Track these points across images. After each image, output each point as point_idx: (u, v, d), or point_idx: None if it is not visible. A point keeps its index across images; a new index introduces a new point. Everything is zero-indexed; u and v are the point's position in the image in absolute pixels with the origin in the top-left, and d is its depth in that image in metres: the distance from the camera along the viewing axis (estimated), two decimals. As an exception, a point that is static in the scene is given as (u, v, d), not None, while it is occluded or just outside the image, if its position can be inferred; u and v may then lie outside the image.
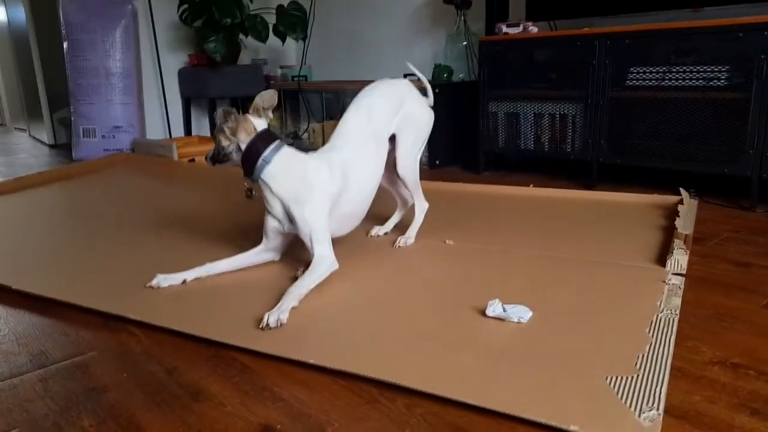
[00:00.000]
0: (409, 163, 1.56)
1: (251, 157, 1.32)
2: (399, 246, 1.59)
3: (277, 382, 0.95)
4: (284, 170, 1.32)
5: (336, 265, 1.32)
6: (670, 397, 0.86)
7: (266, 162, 1.31)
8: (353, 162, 1.41)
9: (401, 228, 1.67)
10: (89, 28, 3.38)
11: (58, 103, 4.36)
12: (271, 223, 1.39)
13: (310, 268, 1.29)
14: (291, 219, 1.34)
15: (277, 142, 1.35)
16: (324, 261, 1.30)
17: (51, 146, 4.34)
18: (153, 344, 1.09)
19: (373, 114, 1.48)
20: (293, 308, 1.15)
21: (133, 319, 1.16)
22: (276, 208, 1.35)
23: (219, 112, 1.34)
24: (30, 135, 5.05)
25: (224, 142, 1.35)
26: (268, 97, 1.38)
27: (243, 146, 1.33)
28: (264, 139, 1.33)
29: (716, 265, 1.44)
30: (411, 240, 1.62)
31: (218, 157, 1.37)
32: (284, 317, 1.11)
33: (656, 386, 0.86)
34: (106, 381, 0.97)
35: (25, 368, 1.02)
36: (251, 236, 1.56)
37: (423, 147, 1.62)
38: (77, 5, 3.38)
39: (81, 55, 3.40)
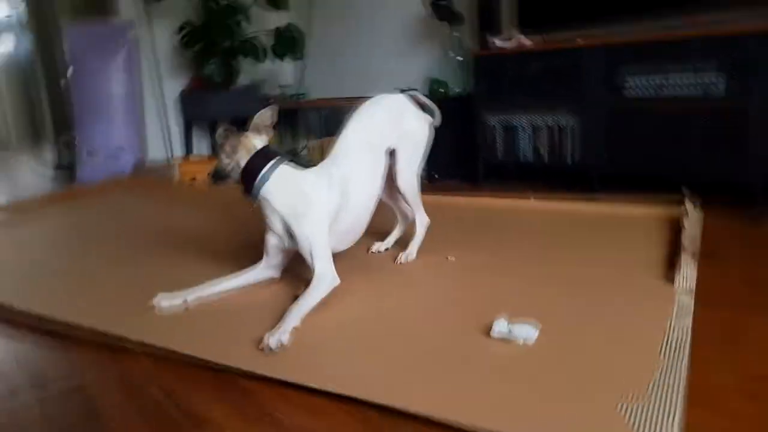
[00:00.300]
0: (409, 178, 1.57)
1: (251, 175, 1.33)
2: (400, 262, 1.60)
3: (279, 406, 0.94)
4: (283, 186, 1.34)
5: (337, 281, 1.32)
6: (685, 426, 0.82)
7: (265, 179, 1.33)
8: (352, 177, 1.42)
9: (402, 244, 1.67)
10: (92, 55, 3.44)
11: (62, 126, 4.42)
12: (272, 240, 1.40)
13: (311, 285, 1.29)
14: (291, 235, 1.35)
15: (276, 159, 1.36)
16: (325, 278, 1.30)
17: (55, 168, 4.38)
18: (153, 366, 1.09)
19: (373, 129, 1.50)
20: (295, 328, 1.15)
21: (134, 340, 1.17)
22: (276, 224, 1.36)
23: (220, 131, 1.36)
24: (34, 157, 5.10)
25: (225, 160, 1.36)
26: (267, 116, 1.40)
27: (242, 163, 1.34)
28: (263, 157, 1.35)
29: (724, 279, 1.40)
30: (413, 256, 1.63)
31: (220, 174, 1.38)
32: (285, 338, 1.11)
33: (670, 414, 0.83)
34: (105, 405, 0.97)
35: (24, 390, 1.02)
36: (252, 255, 1.57)
37: (422, 162, 1.62)
38: (81, 33, 3.46)
39: (84, 81, 3.46)
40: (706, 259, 1.55)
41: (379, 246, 1.71)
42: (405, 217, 1.72)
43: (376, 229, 1.70)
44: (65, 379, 1.06)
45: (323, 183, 1.37)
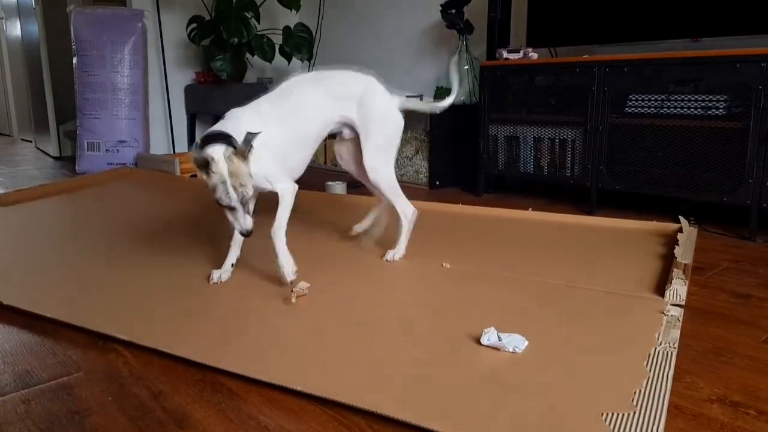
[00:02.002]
0: (378, 165, 1.55)
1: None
2: (388, 260, 1.59)
3: (264, 409, 0.93)
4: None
5: (296, 187, 1.45)
6: (662, 436, 0.84)
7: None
8: (288, 114, 1.47)
9: (389, 242, 1.66)
10: (99, 45, 3.43)
11: (64, 116, 4.41)
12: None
13: (279, 204, 1.41)
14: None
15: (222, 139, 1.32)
16: (287, 191, 1.43)
17: (56, 158, 4.38)
18: (141, 365, 1.08)
19: (327, 83, 1.53)
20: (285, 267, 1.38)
21: (123, 339, 1.16)
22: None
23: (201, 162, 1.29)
24: (36, 146, 5.10)
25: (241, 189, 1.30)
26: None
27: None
28: (212, 140, 1.31)
29: (715, 296, 1.43)
30: (401, 253, 1.62)
31: (243, 202, 1.32)
32: (289, 270, 1.38)
33: (654, 425, 0.84)
34: (91, 404, 0.96)
35: (9, 388, 1.01)
36: (248, 244, 1.56)
37: (394, 152, 1.59)
38: (88, 21, 3.43)
39: (90, 71, 3.45)
40: (698, 274, 1.57)
41: (356, 227, 1.76)
42: (381, 201, 1.72)
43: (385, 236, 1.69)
44: (51, 377, 1.05)
45: (258, 121, 1.42)
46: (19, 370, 1.08)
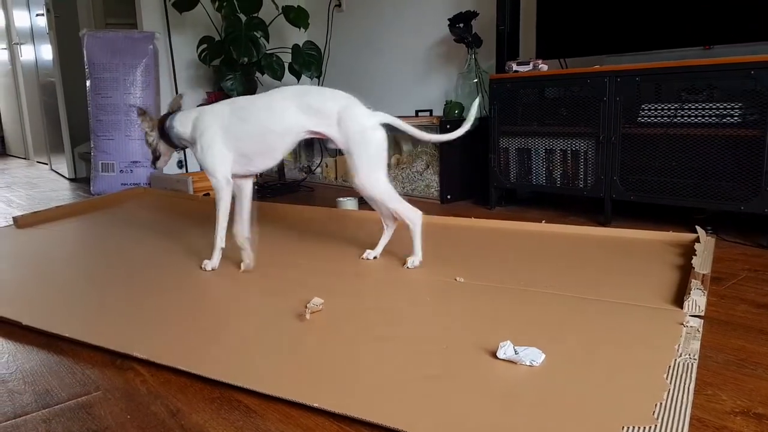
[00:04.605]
0: (366, 182, 1.59)
1: (165, 132, 1.75)
2: (408, 267, 1.65)
3: (281, 426, 0.93)
4: (183, 121, 1.73)
5: (231, 183, 1.69)
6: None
7: (172, 126, 1.73)
8: (252, 113, 1.65)
9: (400, 248, 1.65)
10: (111, 67, 3.49)
11: (79, 138, 4.49)
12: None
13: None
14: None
15: (171, 114, 1.76)
16: (220, 189, 1.68)
17: (71, 180, 4.44)
18: (158, 384, 1.08)
19: (301, 97, 1.63)
20: (222, 249, 1.74)
21: (141, 358, 1.16)
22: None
23: (138, 114, 1.77)
24: (51, 168, 5.18)
25: (149, 139, 1.78)
26: (174, 101, 1.82)
27: (158, 133, 1.76)
28: (164, 119, 1.77)
29: (735, 306, 1.40)
30: (418, 258, 1.68)
31: (154, 153, 1.80)
32: (215, 260, 1.73)
33: None
34: (110, 422, 0.96)
35: (30, 408, 1.02)
36: (263, 261, 1.56)
37: (383, 164, 1.61)
38: (101, 45, 3.50)
39: (103, 93, 3.51)
40: (717, 284, 1.55)
41: (368, 253, 1.77)
42: (391, 219, 1.77)
43: (372, 240, 1.69)
44: (71, 397, 1.05)
45: (212, 117, 1.68)
46: (39, 389, 1.08)
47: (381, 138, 1.59)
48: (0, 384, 1.11)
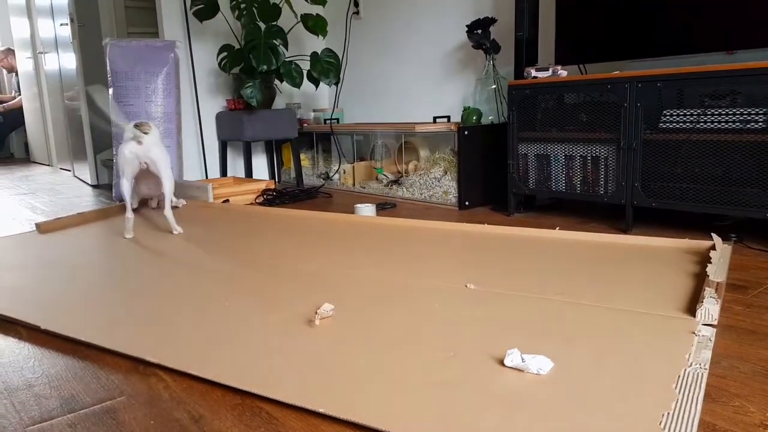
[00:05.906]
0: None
1: None
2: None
3: (303, 434, 0.93)
4: None
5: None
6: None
7: None
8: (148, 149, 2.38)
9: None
10: (133, 76, 3.55)
11: (101, 146, 4.57)
12: None
13: None
14: None
15: None
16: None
17: (93, 186, 4.51)
18: (181, 390, 1.09)
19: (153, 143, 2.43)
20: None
21: (164, 366, 1.17)
22: None
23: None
24: (74, 175, 5.27)
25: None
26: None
27: None
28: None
29: (761, 315, 1.37)
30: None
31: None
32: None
33: None
34: (134, 428, 0.97)
35: (56, 413, 1.03)
36: (281, 268, 1.56)
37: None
38: (123, 53, 3.57)
39: (125, 101, 3.57)
40: (742, 293, 1.52)
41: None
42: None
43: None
44: (96, 402, 1.07)
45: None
46: (64, 394, 1.10)
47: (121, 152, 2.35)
48: (27, 388, 1.13)
